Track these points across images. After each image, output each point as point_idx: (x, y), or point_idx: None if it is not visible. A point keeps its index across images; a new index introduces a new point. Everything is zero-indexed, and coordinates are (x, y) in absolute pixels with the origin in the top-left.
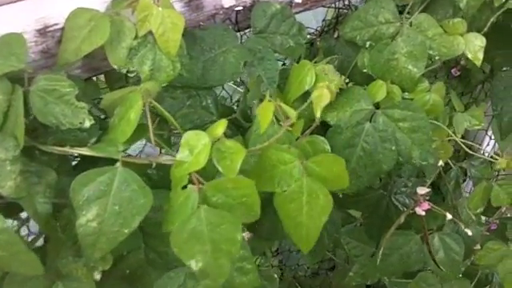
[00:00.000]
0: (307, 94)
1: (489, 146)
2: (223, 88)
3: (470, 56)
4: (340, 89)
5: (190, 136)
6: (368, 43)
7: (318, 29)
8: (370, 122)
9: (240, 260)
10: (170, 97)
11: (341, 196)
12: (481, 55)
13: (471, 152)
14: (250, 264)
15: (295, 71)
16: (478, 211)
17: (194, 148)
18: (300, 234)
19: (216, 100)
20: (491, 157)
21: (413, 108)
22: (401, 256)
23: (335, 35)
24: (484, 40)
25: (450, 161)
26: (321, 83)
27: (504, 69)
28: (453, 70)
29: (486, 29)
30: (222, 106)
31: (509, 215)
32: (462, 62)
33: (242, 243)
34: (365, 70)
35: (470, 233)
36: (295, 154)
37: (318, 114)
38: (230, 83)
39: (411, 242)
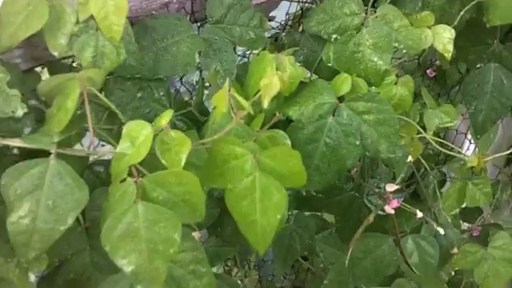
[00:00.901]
0: None
1: (469, 150)
2: (182, 83)
3: (439, 48)
4: (303, 83)
5: (131, 126)
6: (333, 36)
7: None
8: (334, 115)
9: (193, 262)
10: (119, 89)
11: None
12: (450, 47)
13: (443, 150)
14: (205, 267)
15: (255, 64)
16: (454, 213)
17: (136, 139)
18: (255, 233)
19: (169, 92)
20: (465, 155)
21: (378, 100)
22: (374, 260)
23: (300, 29)
24: (453, 32)
25: (427, 165)
26: (271, 71)
27: (478, 66)
28: (428, 71)
29: (456, 23)
30: (177, 100)
31: (492, 221)
32: (437, 63)
33: (196, 244)
34: (330, 64)
35: (441, 231)
36: (247, 148)
37: (265, 105)
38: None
39: (384, 245)
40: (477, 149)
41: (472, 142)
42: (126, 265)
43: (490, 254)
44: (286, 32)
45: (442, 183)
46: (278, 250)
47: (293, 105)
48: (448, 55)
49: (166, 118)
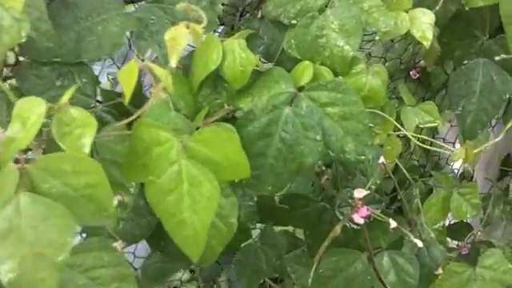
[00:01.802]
0: (219, 78)
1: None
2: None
3: (416, 35)
4: (259, 72)
5: (22, 105)
6: (294, 21)
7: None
8: (291, 106)
9: (116, 280)
10: (34, 75)
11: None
12: (430, 34)
13: (424, 146)
14: (131, 284)
15: (200, 49)
16: (438, 226)
17: (27, 120)
18: (185, 234)
19: (94, 80)
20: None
21: (343, 89)
22: (345, 279)
23: (259, 15)
24: (433, 16)
25: (411, 176)
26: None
27: (465, 62)
28: (411, 72)
29: (437, 7)
30: (105, 90)
31: (482, 239)
32: (422, 63)
33: (119, 258)
34: (291, 53)
35: (420, 244)
36: (173, 132)
37: (172, 63)
38: None
39: (356, 262)
40: None
41: None
42: (3, 273)
43: (479, 274)
44: (244, 19)
45: (427, 196)
46: (241, 270)
47: (245, 96)
48: (427, 43)
49: (67, 95)
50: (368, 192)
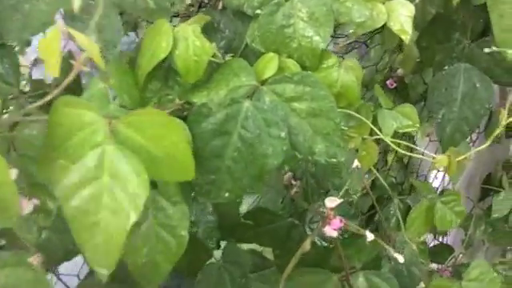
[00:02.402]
0: (171, 70)
1: (437, 178)
2: None
3: (394, 28)
4: (216, 64)
5: None
6: (259, 11)
7: None
8: (252, 100)
9: None
10: None
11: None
12: (408, 27)
13: (403, 151)
14: None
15: (148, 37)
16: (422, 239)
17: None
18: (95, 242)
19: (17, 65)
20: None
21: (311, 82)
22: None
23: (220, 6)
24: (412, 8)
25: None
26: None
27: (446, 68)
28: (388, 82)
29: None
30: (33, 79)
31: (464, 261)
32: (399, 71)
33: (37, 275)
34: (254, 46)
35: (401, 260)
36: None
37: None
38: None
39: (327, 283)
40: (446, 175)
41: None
42: None
43: (465, 287)
44: (203, 10)
45: (405, 215)
46: None
47: (199, 91)
48: (406, 37)
49: None
50: (341, 200)
